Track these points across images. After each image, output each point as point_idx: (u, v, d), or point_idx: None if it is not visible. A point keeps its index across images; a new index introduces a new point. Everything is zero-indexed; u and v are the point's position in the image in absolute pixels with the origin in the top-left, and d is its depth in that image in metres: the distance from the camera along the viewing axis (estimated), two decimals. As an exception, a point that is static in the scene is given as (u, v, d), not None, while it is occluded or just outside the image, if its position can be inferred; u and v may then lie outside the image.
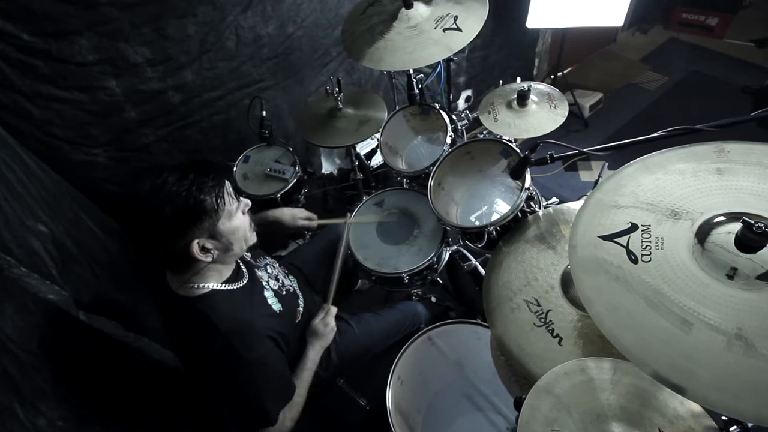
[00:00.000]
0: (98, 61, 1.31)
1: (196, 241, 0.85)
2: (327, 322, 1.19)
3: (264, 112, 1.57)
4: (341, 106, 1.48)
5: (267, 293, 1.07)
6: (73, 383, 0.89)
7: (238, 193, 1.48)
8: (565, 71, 2.74)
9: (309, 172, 1.74)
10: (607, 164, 2.28)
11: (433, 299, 1.74)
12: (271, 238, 2.13)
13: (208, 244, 0.88)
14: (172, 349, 1.35)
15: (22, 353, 0.78)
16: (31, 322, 0.85)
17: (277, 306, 1.06)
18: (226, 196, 0.89)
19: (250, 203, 0.99)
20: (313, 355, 1.15)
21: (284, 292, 1.15)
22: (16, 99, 1.24)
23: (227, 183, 0.91)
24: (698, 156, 0.65)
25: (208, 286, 0.92)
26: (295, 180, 1.54)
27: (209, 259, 0.89)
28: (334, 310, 1.23)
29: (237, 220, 0.93)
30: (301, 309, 1.19)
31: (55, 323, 0.92)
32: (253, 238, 1.01)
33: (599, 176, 2.05)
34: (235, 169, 1.58)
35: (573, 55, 2.99)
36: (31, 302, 0.88)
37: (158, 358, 1.29)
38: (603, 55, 3.32)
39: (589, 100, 2.78)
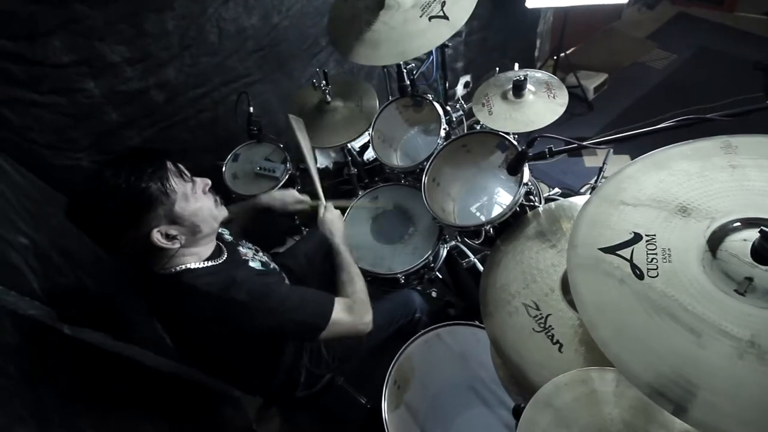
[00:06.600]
0: (74, 62, 1.25)
1: (155, 229, 0.83)
2: (325, 218, 1.25)
3: (251, 108, 1.52)
4: (329, 99, 1.41)
5: (252, 264, 1.05)
6: (57, 402, 0.86)
7: (228, 192, 1.46)
8: (567, 52, 2.63)
9: (302, 168, 1.68)
10: (611, 150, 2.21)
11: (434, 294, 1.70)
12: (267, 235, 2.10)
13: (172, 231, 0.86)
14: (166, 354, 1.33)
15: (-3, 378, 0.75)
16: (8, 342, 0.82)
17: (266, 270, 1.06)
18: (171, 178, 0.86)
19: (209, 182, 0.96)
20: (339, 246, 1.20)
21: (271, 266, 1.13)
22: (-10, 105, 1.20)
23: (170, 165, 0.88)
24: (704, 153, 0.59)
25: (188, 266, 0.91)
26: (286, 178, 1.49)
27: (177, 246, 0.87)
28: (329, 204, 1.29)
29: (197, 201, 0.91)
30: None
31: (37, 341, 0.90)
32: (222, 213, 0.99)
33: (604, 163, 1.99)
34: (224, 168, 1.53)
35: (576, 34, 2.86)
36: (9, 321, 0.84)
37: (153, 366, 1.26)
38: (608, 33, 3.18)
39: (593, 82, 2.68)
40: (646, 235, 0.55)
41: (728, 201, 0.55)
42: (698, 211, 0.56)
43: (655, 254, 0.53)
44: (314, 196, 1.35)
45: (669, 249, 0.53)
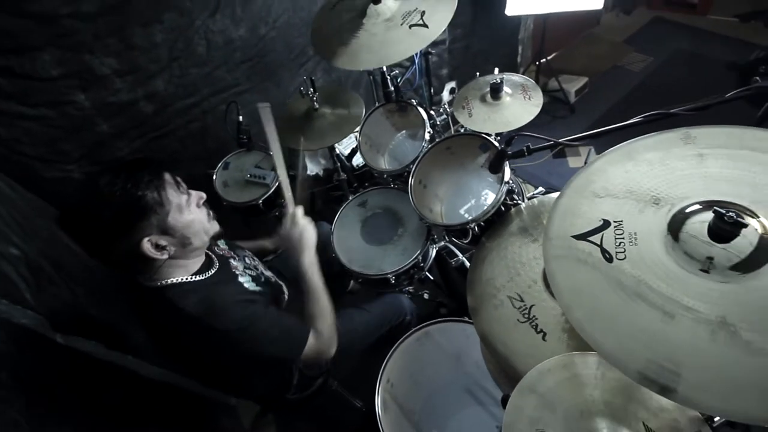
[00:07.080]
0: (63, 75, 1.27)
1: (146, 238, 0.83)
2: (293, 223, 1.11)
3: (240, 117, 1.54)
4: (317, 106, 1.45)
5: (242, 279, 1.04)
6: (52, 408, 0.87)
7: (219, 200, 1.48)
8: (549, 57, 2.71)
9: (291, 175, 1.70)
10: (593, 149, 2.28)
11: (426, 296, 1.72)
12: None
13: (162, 241, 0.86)
14: (160, 364, 1.33)
15: (-9, 386, 0.75)
16: (1, 351, 0.82)
17: (255, 288, 1.05)
18: (168, 189, 0.86)
19: (204, 195, 0.97)
20: (305, 266, 1.08)
21: (263, 279, 1.13)
22: (-21, 119, 1.21)
23: (168, 176, 0.89)
24: (665, 144, 0.63)
25: (174, 280, 0.91)
26: (276, 184, 1.52)
27: (165, 256, 0.87)
28: (298, 209, 1.15)
29: (191, 214, 0.91)
30: (286, 297, 1.17)
31: (30, 349, 0.90)
32: (214, 228, 0.99)
33: (585, 162, 2.05)
34: (215, 176, 1.55)
35: (557, 40, 2.96)
36: (2, 330, 0.85)
37: (146, 375, 1.27)
38: (587, 38, 3.29)
39: (574, 85, 2.76)
40: (614, 221, 0.59)
41: (688, 187, 0.59)
42: (661, 198, 0.60)
43: (623, 238, 0.57)
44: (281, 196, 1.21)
45: (635, 233, 0.57)
